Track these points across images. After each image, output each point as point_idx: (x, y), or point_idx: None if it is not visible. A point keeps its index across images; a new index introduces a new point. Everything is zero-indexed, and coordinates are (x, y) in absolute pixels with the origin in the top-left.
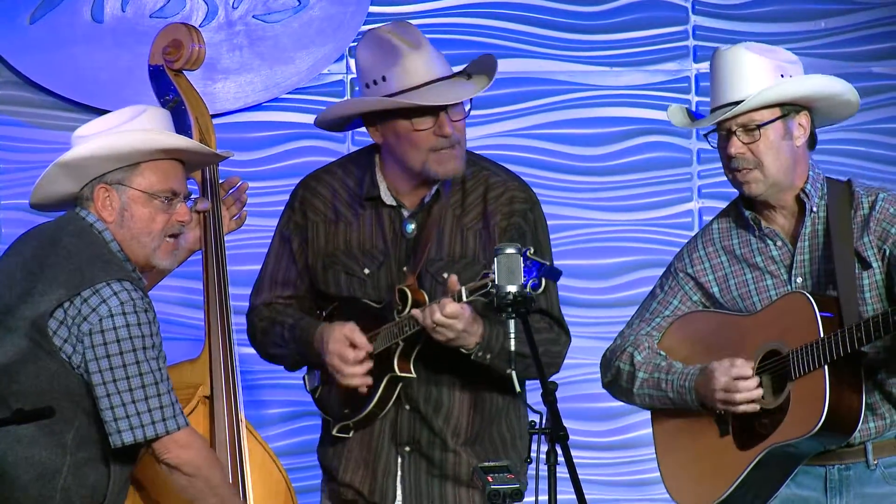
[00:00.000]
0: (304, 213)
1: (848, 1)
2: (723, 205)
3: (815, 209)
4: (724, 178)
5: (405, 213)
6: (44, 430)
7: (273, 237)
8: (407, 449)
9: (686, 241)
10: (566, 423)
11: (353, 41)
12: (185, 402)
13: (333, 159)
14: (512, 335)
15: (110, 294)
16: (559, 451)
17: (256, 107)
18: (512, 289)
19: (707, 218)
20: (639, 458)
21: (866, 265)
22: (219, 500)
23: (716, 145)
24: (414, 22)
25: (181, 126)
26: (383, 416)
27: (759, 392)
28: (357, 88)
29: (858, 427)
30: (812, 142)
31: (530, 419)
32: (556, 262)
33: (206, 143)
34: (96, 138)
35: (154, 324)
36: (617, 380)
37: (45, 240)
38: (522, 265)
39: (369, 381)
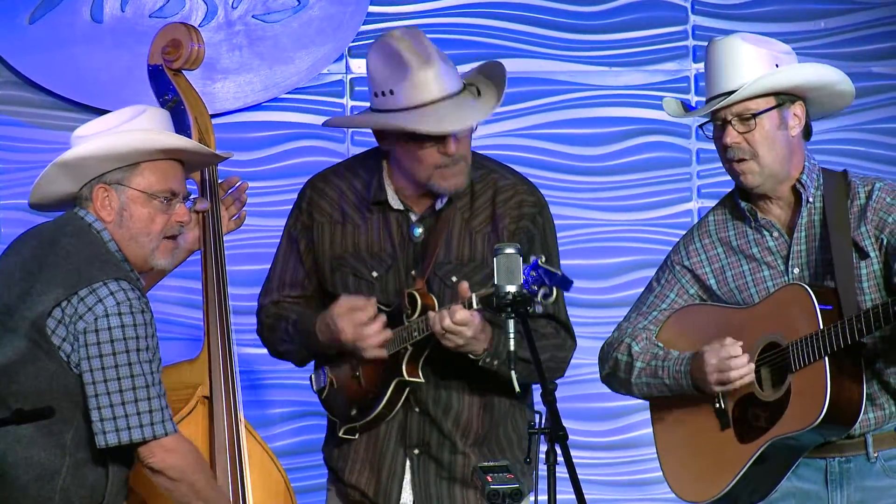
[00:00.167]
0: (310, 214)
1: (848, 1)
2: None
3: (811, 199)
4: (724, 178)
5: (413, 218)
6: (43, 430)
7: (281, 237)
8: (416, 451)
9: None
10: (566, 423)
11: (353, 41)
12: (184, 403)
13: (332, 159)
14: (511, 335)
15: (107, 294)
16: (559, 450)
17: (256, 107)
18: (511, 289)
19: None
20: (638, 458)
21: (864, 255)
22: None
23: (711, 135)
24: (414, 22)
25: (180, 126)
26: (391, 419)
27: (752, 367)
28: (356, 89)
29: (860, 418)
30: (807, 132)
31: (529, 419)
32: None
33: (206, 142)
34: (96, 138)
35: (150, 325)
36: (615, 371)
37: (44, 240)
38: (535, 275)
39: (390, 333)
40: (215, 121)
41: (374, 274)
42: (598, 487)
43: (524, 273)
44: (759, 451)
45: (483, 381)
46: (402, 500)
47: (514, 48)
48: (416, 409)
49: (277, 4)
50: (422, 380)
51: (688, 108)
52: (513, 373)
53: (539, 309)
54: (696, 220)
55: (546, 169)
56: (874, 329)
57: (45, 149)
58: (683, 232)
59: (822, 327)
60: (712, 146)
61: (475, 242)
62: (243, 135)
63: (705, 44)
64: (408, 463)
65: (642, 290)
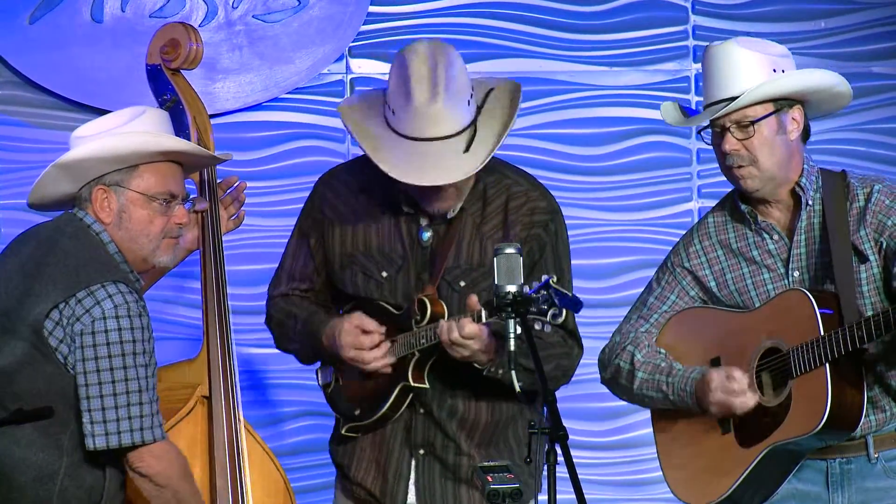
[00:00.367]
0: (321, 210)
1: (848, 1)
2: None
3: (810, 202)
4: (724, 178)
5: (422, 222)
6: (41, 431)
7: (293, 229)
8: (421, 452)
9: None
10: (566, 423)
11: (353, 41)
12: (184, 402)
13: (332, 159)
14: (511, 335)
15: (105, 296)
16: (559, 450)
17: (256, 107)
18: (511, 289)
19: None
20: (638, 458)
21: (863, 258)
22: None
23: (710, 141)
24: (414, 22)
25: (179, 125)
26: (396, 419)
27: (755, 401)
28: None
29: (861, 421)
30: (806, 134)
31: (529, 420)
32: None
33: (204, 142)
34: (95, 140)
35: (147, 329)
36: (616, 377)
37: (43, 241)
38: (545, 293)
39: (392, 359)
40: (215, 121)
41: (384, 274)
42: (598, 487)
43: (534, 291)
44: (761, 456)
45: (489, 385)
46: (408, 501)
47: (514, 48)
48: (422, 411)
49: (278, 4)
50: (427, 386)
51: (686, 111)
52: (513, 372)
53: (548, 329)
54: (696, 220)
55: (546, 169)
56: (875, 336)
57: (44, 149)
58: (683, 232)
59: (822, 333)
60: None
61: (485, 248)
62: (243, 135)
63: (706, 44)
64: (413, 463)
65: (642, 290)
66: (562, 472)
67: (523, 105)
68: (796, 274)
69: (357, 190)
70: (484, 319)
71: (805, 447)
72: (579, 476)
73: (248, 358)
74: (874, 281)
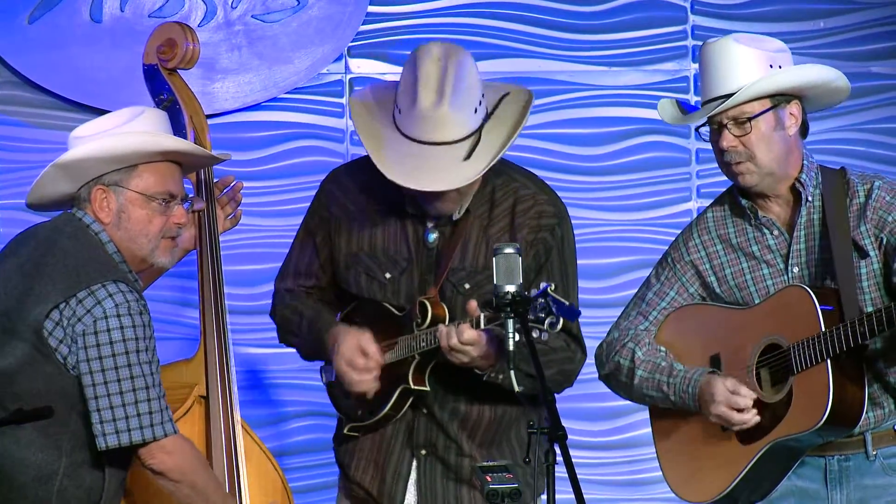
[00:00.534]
0: (328, 208)
1: (848, 1)
2: None
3: (810, 198)
4: (723, 178)
5: (428, 224)
6: (40, 431)
7: (300, 225)
8: (423, 452)
9: None
10: (565, 423)
11: (352, 41)
12: (181, 402)
13: (332, 159)
14: (511, 335)
15: (105, 296)
16: (558, 450)
17: (255, 107)
18: (510, 289)
19: None
20: (638, 458)
21: (863, 254)
22: None
23: (708, 138)
24: (413, 22)
25: (176, 125)
26: (398, 419)
27: (756, 420)
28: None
29: (862, 418)
30: (804, 130)
31: (529, 420)
32: None
33: (201, 142)
34: (94, 139)
35: (149, 327)
36: (615, 374)
37: (42, 241)
38: (543, 301)
39: (376, 387)
40: (214, 121)
41: (388, 275)
42: (598, 487)
43: (533, 297)
44: (762, 452)
45: (491, 386)
46: (406, 502)
47: (514, 48)
48: (424, 411)
49: (277, 4)
50: (427, 388)
51: (684, 108)
52: (512, 372)
53: (545, 336)
54: None
55: (545, 169)
56: (877, 332)
57: (43, 148)
58: None
59: (824, 329)
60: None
61: (491, 251)
62: (242, 135)
63: None
64: (414, 463)
65: (639, 286)
66: (561, 472)
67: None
68: (796, 270)
69: (364, 189)
70: (483, 325)
71: (805, 444)
72: (578, 476)
73: (247, 358)
74: (874, 277)
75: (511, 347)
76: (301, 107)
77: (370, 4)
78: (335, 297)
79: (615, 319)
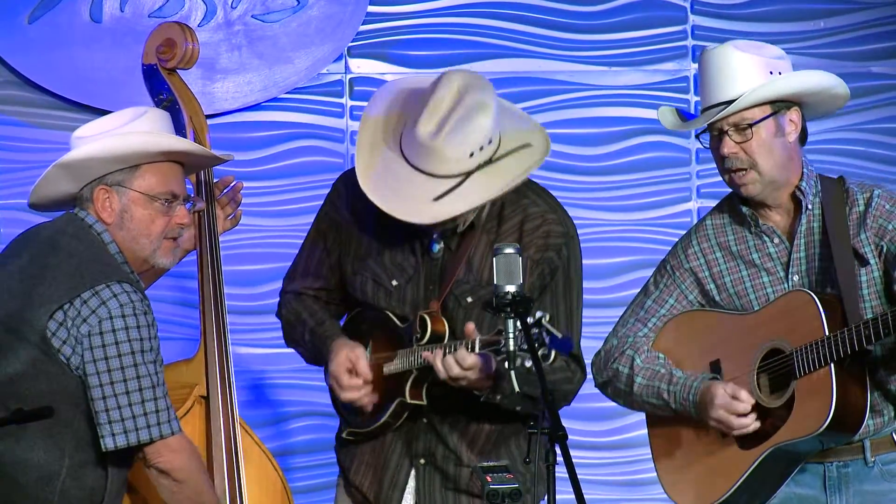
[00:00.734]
0: (339, 210)
1: (848, 1)
2: None
3: (810, 206)
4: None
5: (434, 234)
6: (43, 432)
7: (311, 226)
8: (422, 461)
9: None
10: (565, 423)
11: (352, 41)
12: (181, 402)
13: (332, 159)
14: (511, 335)
15: (110, 296)
16: (558, 451)
17: (255, 106)
18: (511, 289)
19: None
20: (638, 458)
21: (863, 262)
22: None
23: (708, 145)
24: (413, 22)
25: (175, 125)
26: (398, 428)
27: (756, 426)
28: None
29: (864, 424)
30: (803, 137)
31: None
32: None
33: (200, 142)
34: (97, 140)
35: (153, 327)
36: (614, 381)
37: (44, 241)
38: (536, 332)
39: (367, 400)
40: (214, 121)
41: (394, 283)
42: (598, 487)
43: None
44: (762, 457)
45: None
46: None
47: (514, 48)
48: (424, 421)
49: (277, 4)
50: (424, 402)
51: (684, 115)
52: (512, 372)
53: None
54: (695, 220)
55: (545, 168)
56: (883, 336)
57: (44, 148)
58: (683, 232)
59: (828, 333)
60: None
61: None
62: (242, 135)
63: (705, 44)
64: (413, 472)
65: (636, 293)
66: (561, 472)
67: (523, 105)
68: (796, 278)
69: None
70: (478, 349)
71: (805, 450)
72: (579, 476)
73: (247, 358)
74: (874, 284)
75: (511, 348)
76: (301, 107)
77: (370, 4)
78: (341, 299)
79: (615, 320)
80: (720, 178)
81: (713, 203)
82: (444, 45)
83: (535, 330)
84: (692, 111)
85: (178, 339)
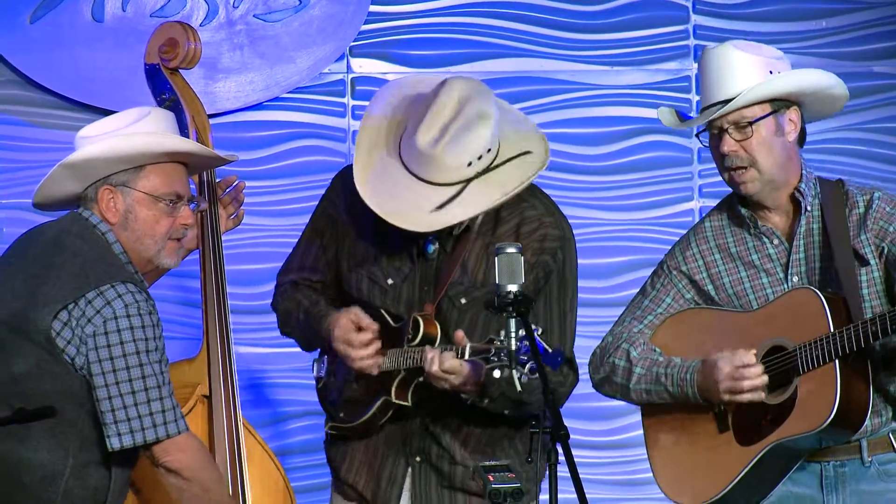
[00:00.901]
0: (336, 207)
1: (848, 1)
2: None
3: (809, 208)
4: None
5: (430, 235)
6: (46, 431)
7: (309, 220)
8: (417, 459)
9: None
10: (566, 423)
11: (354, 40)
12: (184, 402)
13: (333, 158)
14: (512, 335)
15: (115, 296)
16: (560, 450)
17: (257, 106)
18: (513, 288)
19: None
20: (638, 458)
21: (864, 262)
22: None
23: (708, 144)
24: (414, 21)
25: (178, 125)
26: (391, 425)
27: (765, 379)
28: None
29: (865, 423)
30: (802, 138)
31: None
32: None
33: (203, 141)
34: (102, 140)
35: (158, 327)
36: (611, 376)
37: (48, 241)
38: (528, 345)
39: (380, 360)
40: (216, 120)
41: (390, 281)
42: (599, 486)
43: (520, 342)
44: (762, 454)
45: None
46: None
47: (514, 48)
48: (418, 420)
49: (278, 4)
50: (409, 404)
51: (682, 116)
52: (514, 372)
53: (524, 379)
54: (696, 220)
55: (547, 168)
56: (890, 332)
57: (46, 148)
58: (684, 231)
59: (833, 330)
60: None
61: (492, 268)
62: (244, 134)
63: (706, 43)
64: (409, 470)
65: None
66: (563, 471)
67: (524, 105)
68: (795, 279)
69: None
70: (467, 356)
71: (805, 447)
72: (580, 475)
73: (249, 357)
74: (875, 285)
75: (513, 347)
76: (303, 106)
77: (372, 4)
78: (336, 295)
79: (614, 319)
80: (721, 178)
81: (715, 203)
82: (445, 44)
83: (527, 343)
84: (694, 111)
85: (181, 339)
